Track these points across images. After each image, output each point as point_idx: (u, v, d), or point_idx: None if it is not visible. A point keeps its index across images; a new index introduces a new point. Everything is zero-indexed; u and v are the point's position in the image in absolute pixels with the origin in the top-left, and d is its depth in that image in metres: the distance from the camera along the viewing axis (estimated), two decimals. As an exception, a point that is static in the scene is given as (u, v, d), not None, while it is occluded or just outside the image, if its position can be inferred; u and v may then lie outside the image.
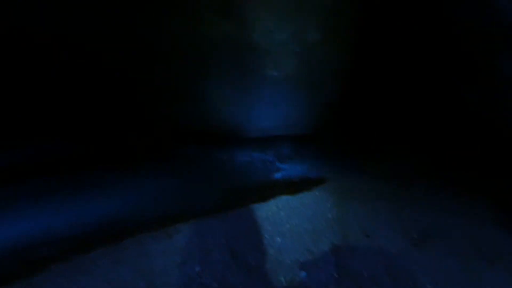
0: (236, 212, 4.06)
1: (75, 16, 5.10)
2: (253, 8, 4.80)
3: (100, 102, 6.54)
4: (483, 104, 4.51)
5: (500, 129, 4.39)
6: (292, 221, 3.71)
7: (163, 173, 6.22)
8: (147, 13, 4.89)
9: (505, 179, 4.79)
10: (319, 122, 7.43)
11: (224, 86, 5.32)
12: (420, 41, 5.74)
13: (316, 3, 5.04)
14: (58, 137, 6.91)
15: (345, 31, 5.65)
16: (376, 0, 5.90)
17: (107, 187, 5.14)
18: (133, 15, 4.93)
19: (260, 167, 7.36)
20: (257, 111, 6.51)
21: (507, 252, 3.14)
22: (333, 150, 8.41)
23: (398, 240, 3.34)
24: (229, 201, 4.66)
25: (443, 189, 4.95)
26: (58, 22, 5.20)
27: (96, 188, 5.04)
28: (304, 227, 3.56)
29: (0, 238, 3.44)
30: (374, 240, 3.33)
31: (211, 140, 8.15)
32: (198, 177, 6.32)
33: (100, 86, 6.16)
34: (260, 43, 4.78)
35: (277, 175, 6.66)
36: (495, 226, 3.61)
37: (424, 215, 3.98)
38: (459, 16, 4.50)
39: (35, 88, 5.99)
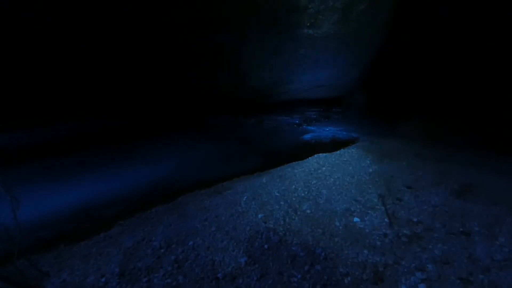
0: (280, 170, 4.27)
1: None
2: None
3: (144, 77, 6.73)
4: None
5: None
6: (335, 175, 3.90)
7: (202, 139, 6.52)
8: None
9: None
10: (349, 84, 7.35)
11: (259, 50, 5.29)
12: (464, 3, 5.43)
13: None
14: (114, 111, 7.31)
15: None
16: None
17: (156, 153, 5.51)
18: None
19: (288, 130, 7.53)
20: (288, 75, 6.50)
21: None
22: (362, 111, 8.42)
23: (440, 191, 3.48)
24: (268, 161, 4.89)
25: (482, 149, 5.03)
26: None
27: (147, 155, 5.42)
28: (347, 181, 3.74)
29: (72, 201, 3.87)
30: (416, 191, 3.49)
31: (238, 107, 8.31)
32: (233, 141, 6.58)
33: (142, 61, 6.28)
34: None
35: (306, 137, 6.82)
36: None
37: (463, 170, 4.09)
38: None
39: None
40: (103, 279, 2.20)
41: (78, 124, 6.50)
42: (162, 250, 2.50)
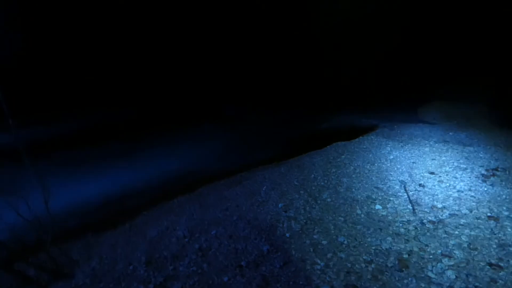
0: (298, 159, 4.25)
1: None
2: None
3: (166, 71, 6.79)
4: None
5: None
6: (354, 163, 3.84)
7: (218, 130, 6.58)
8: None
9: None
10: (366, 69, 7.16)
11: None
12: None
13: None
14: (133, 104, 7.44)
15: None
16: None
17: (176, 145, 5.60)
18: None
19: (305, 119, 7.45)
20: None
21: None
22: (378, 98, 8.20)
23: (465, 176, 3.38)
24: (286, 150, 4.87)
25: (507, 130, 4.83)
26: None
27: (166, 146, 5.52)
28: (367, 168, 3.68)
29: (96, 191, 3.99)
30: (440, 177, 3.40)
31: (256, 96, 8.28)
32: (249, 132, 6.59)
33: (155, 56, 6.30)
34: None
35: (324, 125, 6.73)
36: None
37: (488, 153, 3.94)
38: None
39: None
40: (131, 267, 2.27)
41: (100, 116, 6.65)
42: (186, 239, 2.55)
